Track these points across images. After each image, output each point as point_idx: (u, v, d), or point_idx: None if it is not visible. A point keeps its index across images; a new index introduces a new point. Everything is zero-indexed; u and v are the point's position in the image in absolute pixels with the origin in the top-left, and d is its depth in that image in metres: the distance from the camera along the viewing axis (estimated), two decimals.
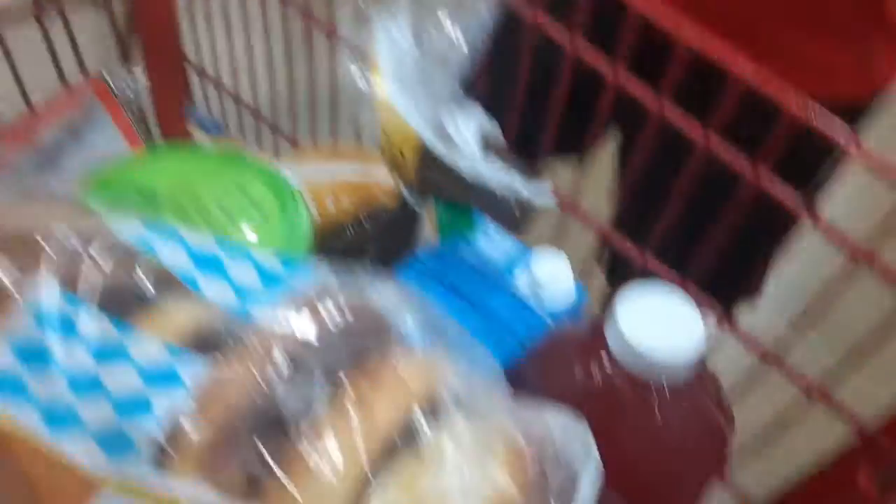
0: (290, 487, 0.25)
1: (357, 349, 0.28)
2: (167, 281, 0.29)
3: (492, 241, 0.48)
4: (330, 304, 0.29)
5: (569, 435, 0.29)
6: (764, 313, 0.55)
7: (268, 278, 0.31)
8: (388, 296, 0.30)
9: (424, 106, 0.39)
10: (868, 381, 0.53)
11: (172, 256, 0.30)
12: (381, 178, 0.50)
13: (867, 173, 0.35)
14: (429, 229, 0.49)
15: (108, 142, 0.55)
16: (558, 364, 0.39)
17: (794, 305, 0.42)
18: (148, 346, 0.27)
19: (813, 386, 0.42)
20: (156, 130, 0.56)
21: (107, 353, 0.27)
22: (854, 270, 0.37)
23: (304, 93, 0.58)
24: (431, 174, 0.41)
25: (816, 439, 0.49)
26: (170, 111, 0.56)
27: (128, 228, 0.30)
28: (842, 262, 0.38)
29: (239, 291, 0.30)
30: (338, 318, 0.29)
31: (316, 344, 0.28)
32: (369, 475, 0.26)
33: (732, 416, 0.40)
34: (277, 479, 0.25)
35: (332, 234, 0.48)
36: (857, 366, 0.40)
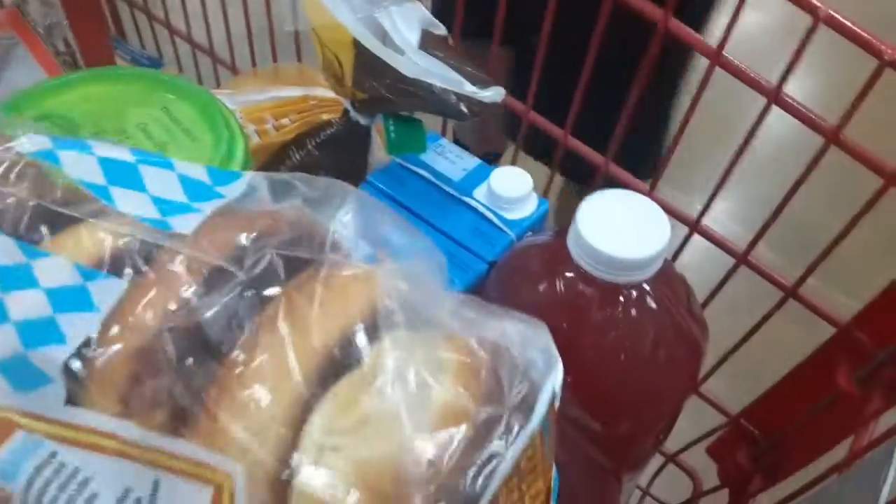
0: (222, 416, 0.23)
1: (290, 262, 0.25)
2: (79, 198, 0.26)
3: (447, 159, 0.45)
4: (261, 214, 0.26)
5: (528, 342, 0.27)
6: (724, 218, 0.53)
7: (193, 190, 0.28)
8: (325, 202, 0.27)
9: (357, 2, 0.36)
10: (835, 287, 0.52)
11: (84, 170, 0.27)
12: (324, 98, 0.47)
13: None
14: (379, 148, 0.46)
15: (28, 78, 0.51)
16: (522, 278, 0.37)
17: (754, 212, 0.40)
18: (56, 268, 0.24)
19: (787, 285, 0.40)
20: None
21: (10, 278, 0.24)
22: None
23: (240, 16, 0.54)
24: (370, 79, 0.37)
25: (789, 348, 0.48)
26: (93, 43, 0.51)
27: (33, 143, 0.26)
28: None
29: (159, 204, 0.27)
30: (269, 230, 0.26)
31: (245, 258, 0.25)
32: (307, 397, 0.23)
33: (705, 323, 0.38)
34: (207, 408, 0.23)
35: (276, 158, 0.44)
36: (826, 270, 0.38)
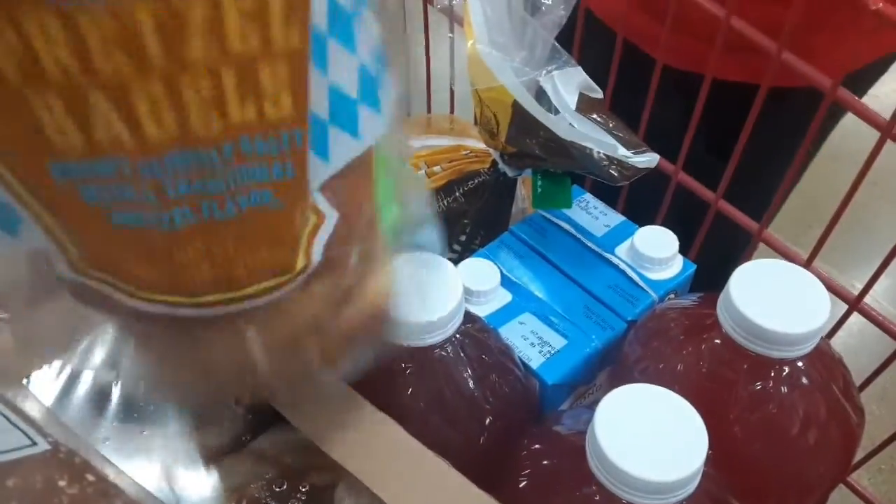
0: None
1: None
2: None
3: (591, 214, 0.46)
4: None
5: None
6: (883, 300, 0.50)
7: None
8: None
9: (520, 65, 0.38)
10: None
11: None
12: (474, 149, 0.49)
13: None
14: (525, 201, 0.47)
15: None
16: (664, 341, 0.36)
17: None
18: None
19: None
20: None
21: None
22: None
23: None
24: (524, 137, 0.39)
25: None
26: None
27: None
28: None
29: None
30: None
31: None
32: None
33: (862, 409, 0.35)
34: None
35: None
36: None
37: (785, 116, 0.42)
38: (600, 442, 0.27)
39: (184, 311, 0.21)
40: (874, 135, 0.34)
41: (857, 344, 0.44)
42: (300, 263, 0.21)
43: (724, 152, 0.42)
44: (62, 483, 0.23)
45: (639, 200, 0.48)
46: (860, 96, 0.35)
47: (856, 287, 0.39)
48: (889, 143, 0.34)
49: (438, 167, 0.47)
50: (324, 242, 0.21)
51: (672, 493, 0.26)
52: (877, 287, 0.38)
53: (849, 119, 0.37)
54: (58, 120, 0.17)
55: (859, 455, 0.42)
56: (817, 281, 0.32)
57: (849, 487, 0.45)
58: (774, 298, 0.31)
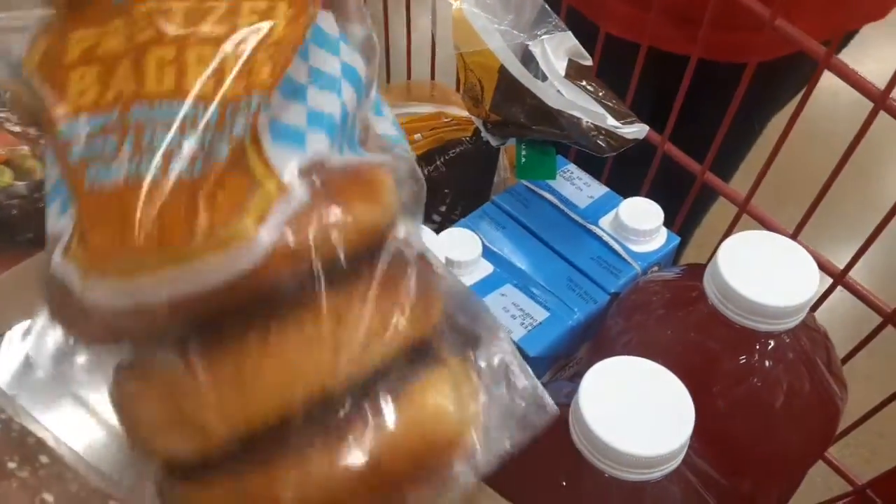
0: None
1: None
2: None
3: (574, 185, 0.45)
4: None
5: None
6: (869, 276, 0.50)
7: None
8: None
9: (507, 28, 0.36)
10: None
11: None
12: (456, 117, 0.48)
13: None
14: (507, 171, 0.46)
15: None
16: (648, 314, 0.36)
17: None
18: None
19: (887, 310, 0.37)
20: None
21: None
22: None
23: (380, 32, 0.56)
24: (509, 104, 0.38)
25: None
26: None
27: None
28: None
29: None
30: None
31: None
32: None
33: (845, 383, 0.35)
34: None
35: None
36: None
37: (752, 88, 0.42)
38: (584, 415, 0.26)
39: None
40: (849, 116, 0.33)
41: (841, 317, 0.44)
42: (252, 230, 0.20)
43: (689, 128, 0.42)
44: (12, 465, 0.21)
45: (623, 172, 0.47)
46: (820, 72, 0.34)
47: (839, 263, 0.39)
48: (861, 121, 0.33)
49: (419, 135, 0.46)
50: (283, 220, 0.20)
51: (657, 468, 0.26)
52: (863, 265, 0.38)
53: (824, 100, 0.36)
54: None
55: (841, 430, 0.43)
56: (806, 253, 0.31)
57: (825, 462, 0.45)
58: (763, 271, 0.30)
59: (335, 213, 0.20)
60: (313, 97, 0.21)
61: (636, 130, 0.37)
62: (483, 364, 0.21)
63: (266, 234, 0.19)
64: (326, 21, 0.23)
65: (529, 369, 0.23)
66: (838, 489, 0.45)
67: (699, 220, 0.71)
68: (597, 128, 0.36)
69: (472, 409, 0.20)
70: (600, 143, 0.37)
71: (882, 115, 0.33)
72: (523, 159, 0.41)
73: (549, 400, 0.23)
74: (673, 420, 0.26)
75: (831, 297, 0.39)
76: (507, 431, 0.21)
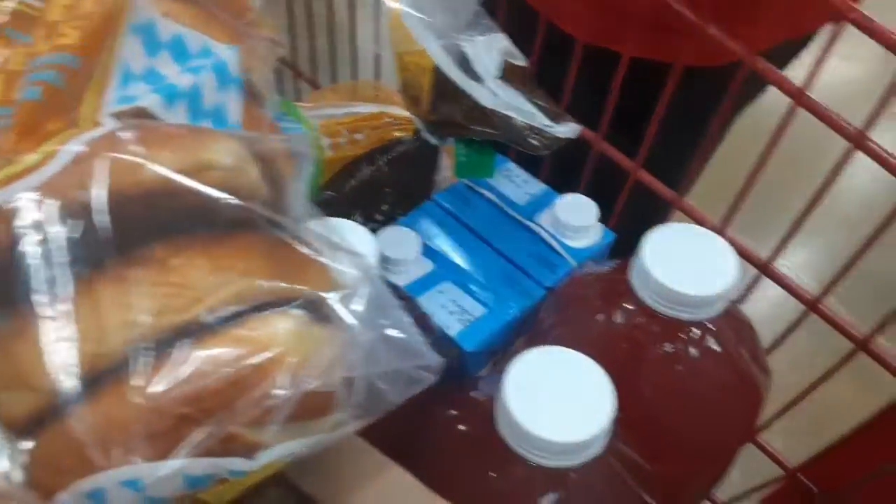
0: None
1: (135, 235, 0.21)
2: None
3: (514, 182, 0.45)
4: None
5: None
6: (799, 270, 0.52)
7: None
8: None
9: (442, 29, 0.37)
10: None
11: None
12: (398, 116, 0.48)
13: None
14: (447, 169, 0.47)
15: None
16: (580, 307, 0.37)
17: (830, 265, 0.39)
18: None
19: (858, 336, 0.38)
20: None
21: None
22: None
23: (324, 33, 0.56)
24: (446, 104, 0.38)
25: (850, 408, 0.46)
26: None
27: None
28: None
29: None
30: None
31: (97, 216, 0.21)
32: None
33: (769, 370, 0.37)
34: None
35: (347, 171, 0.46)
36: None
37: (696, 93, 0.43)
38: (508, 404, 0.27)
39: None
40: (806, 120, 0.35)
41: (771, 311, 0.46)
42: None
43: (634, 128, 0.43)
44: None
45: (562, 170, 0.48)
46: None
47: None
48: (804, 123, 0.34)
49: (360, 135, 0.46)
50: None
51: (579, 454, 0.26)
52: (796, 260, 0.39)
53: (766, 105, 0.38)
54: None
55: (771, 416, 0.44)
56: (726, 244, 0.32)
57: (757, 446, 0.47)
58: (684, 261, 0.31)
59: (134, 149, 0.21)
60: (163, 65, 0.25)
61: (567, 130, 0.38)
62: (343, 307, 0.21)
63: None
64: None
65: (404, 316, 0.23)
66: (770, 475, 0.47)
67: (650, 221, 0.72)
68: (530, 127, 0.37)
69: (307, 343, 0.20)
70: (533, 141, 0.37)
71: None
72: (462, 158, 0.42)
73: (419, 345, 0.23)
74: (594, 407, 0.27)
75: (776, 289, 0.40)
76: (385, 381, 0.22)
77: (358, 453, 0.27)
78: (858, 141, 0.34)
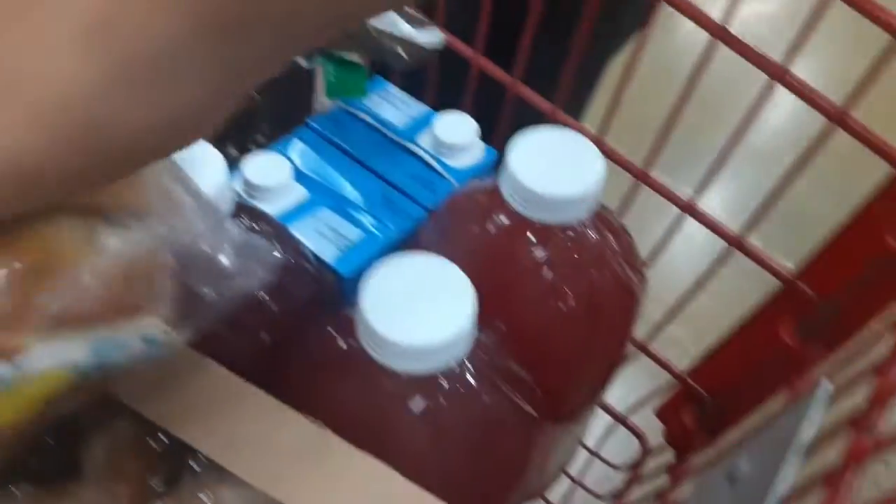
0: None
1: None
2: None
3: (393, 105, 0.44)
4: None
5: None
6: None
7: None
8: None
9: None
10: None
11: None
12: None
13: None
14: (320, 91, 0.45)
15: None
16: (458, 223, 0.36)
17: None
18: None
19: (733, 235, 0.39)
20: None
21: None
22: None
23: None
24: None
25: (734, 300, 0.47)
26: None
27: None
28: None
29: None
30: None
31: None
32: None
33: (644, 275, 0.37)
34: None
35: None
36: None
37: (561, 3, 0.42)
38: (365, 312, 0.25)
39: None
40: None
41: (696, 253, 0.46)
42: None
43: (512, 43, 0.42)
44: None
45: (448, 94, 0.47)
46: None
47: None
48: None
49: None
50: None
51: (440, 357, 0.26)
52: (715, 199, 0.39)
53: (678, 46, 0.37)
54: None
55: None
56: (591, 145, 0.32)
57: (648, 355, 0.48)
58: (550, 164, 0.31)
59: None
60: None
61: (432, 38, 0.36)
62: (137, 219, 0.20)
63: None
64: None
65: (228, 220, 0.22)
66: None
67: None
68: (392, 36, 0.35)
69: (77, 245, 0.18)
70: (399, 52, 0.36)
71: None
72: (331, 78, 0.40)
73: (251, 247, 0.22)
74: (454, 309, 0.26)
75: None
76: (206, 283, 0.20)
77: (212, 378, 0.26)
78: (781, 76, 0.33)
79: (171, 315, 0.19)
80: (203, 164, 0.29)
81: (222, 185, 0.29)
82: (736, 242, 0.39)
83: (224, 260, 0.21)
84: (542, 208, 0.30)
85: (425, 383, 0.27)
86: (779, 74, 0.33)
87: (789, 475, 0.24)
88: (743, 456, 0.30)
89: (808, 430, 0.25)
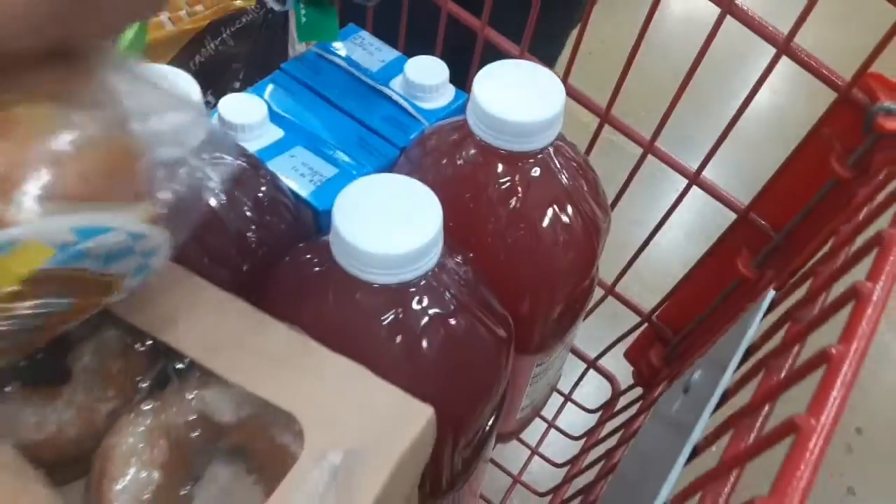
0: None
1: None
2: None
3: (366, 50, 0.45)
4: None
5: None
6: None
7: None
8: None
9: None
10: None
11: None
12: None
13: None
14: (294, 37, 0.45)
15: None
16: (429, 158, 0.37)
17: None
18: None
19: (690, 170, 0.41)
20: None
21: None
22: None
23: None
24: None
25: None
26: None
27: None
28: None
29: None
30: None
31: None
32: None
33: (608, 208, 0.38)
34: None
35: (192, 48, 0.44)
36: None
37: None
38: (337, 226, 0.27)
39: None
40: (697, 29, 0.35)
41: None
42: None
43: None
44: None
45: (420, 40, 0.48)
46: None
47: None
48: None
49: (200, 6, 0.44)
50: None
51: (409, 266, 0.27)
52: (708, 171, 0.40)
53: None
54: None
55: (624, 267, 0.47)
56: (553, 75, 0.33)
57: (615, 297, 0.50)
58: (513, 94, 0.32)
59: None
60: None
61: None
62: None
63: None
64: None
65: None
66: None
67: None
68: None
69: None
70: None
71: None
72: (304, 20, 0.41)
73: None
74: (422, 221, 0.27)
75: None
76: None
77: (195, 288, 0.27)
78: (786, 48, 0.34)
79: (155, 212, 0.20)
80: (178, 85, 0.30)
81: (197, 99, 0.30)
82: (693, 177, 0.41)
83: (196, 151, 0.22)
84: (507, 135, 0.32)
85: (397, 293, 0.28)
86: (785, 46, 0.34)
87: (732, 373, 0.26)
88: (697, 370, 0.32)
89: (751, 331, 0.27)
